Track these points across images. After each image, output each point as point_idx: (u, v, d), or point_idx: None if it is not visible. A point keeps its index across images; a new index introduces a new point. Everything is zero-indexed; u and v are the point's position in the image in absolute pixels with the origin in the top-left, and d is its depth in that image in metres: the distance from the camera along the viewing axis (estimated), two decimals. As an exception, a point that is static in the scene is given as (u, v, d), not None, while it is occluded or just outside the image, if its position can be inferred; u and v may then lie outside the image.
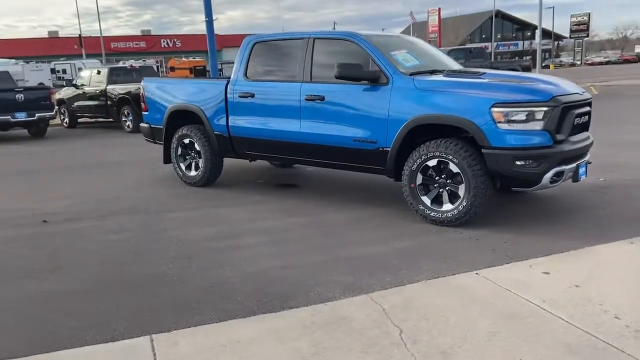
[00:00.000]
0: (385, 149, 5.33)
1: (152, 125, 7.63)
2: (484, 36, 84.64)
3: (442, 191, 5.10)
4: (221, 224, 5.46)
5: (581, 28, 61.97)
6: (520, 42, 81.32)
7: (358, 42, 5.64)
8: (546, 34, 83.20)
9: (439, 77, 5.36)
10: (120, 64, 20.20)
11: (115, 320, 3.36)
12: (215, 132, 6.78)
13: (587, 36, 60.82)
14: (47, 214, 5.95)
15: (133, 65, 17.75)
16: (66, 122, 16.85)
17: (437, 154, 4.98)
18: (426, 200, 5.16)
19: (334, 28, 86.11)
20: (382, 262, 4.20)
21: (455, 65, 6.24)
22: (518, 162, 4.67)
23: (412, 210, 5.27)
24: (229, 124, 6.62)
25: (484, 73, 5.58)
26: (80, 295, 3.78)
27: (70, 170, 9.05)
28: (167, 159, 7.51)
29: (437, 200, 5.14)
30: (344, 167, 5.95)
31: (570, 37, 62.68)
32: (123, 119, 15.04)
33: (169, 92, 7.37)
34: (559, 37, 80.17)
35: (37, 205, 6.43)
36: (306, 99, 5.83)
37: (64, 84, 28.20)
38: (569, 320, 3.11)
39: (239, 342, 3.02)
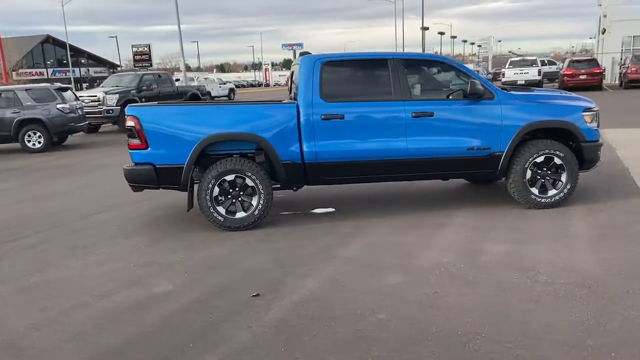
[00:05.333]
0: (498, 153, 6.24)
1: (158, 166, 5.85)
2: (36, 62, 79.33)
3: (544, 181, 6.42)
4: (429, 249, 5.21)
5: (144, 58, 66.07)
6: (76, 69, 79.90)
7: (452, 64, 6.33)
8: (101, 62, 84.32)
9: (532, 92, 6.67)
10: None
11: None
12: (283, 162, 5.97)
13: (151, 65, 65.24)
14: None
15: None
16: None
17: (547, 151, 6.28)
18: (535, 190, 6.38)
19: None
20: (616, 240, 5.21)
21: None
22: (599, 151, 6.51)
23: (522, 201, 6.36)
24: (305, 149, 5.99)
25: (534, 89, 7.14)
26: None
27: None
28: (193, 204, 5.96)
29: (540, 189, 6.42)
30: (450, 176, 6.47)
31: (135, 66, 65.92)
32: None
33: (195, 121, 5.91)
34: (114, 66, 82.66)
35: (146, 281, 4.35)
36: (413, 116, 6.07)
37: None
38: None
39: None
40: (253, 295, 4.16)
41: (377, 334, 3.50)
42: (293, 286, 4.36)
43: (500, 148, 6.21)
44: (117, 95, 18.05)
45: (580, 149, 6.38)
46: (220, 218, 5.94)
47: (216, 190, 5.91)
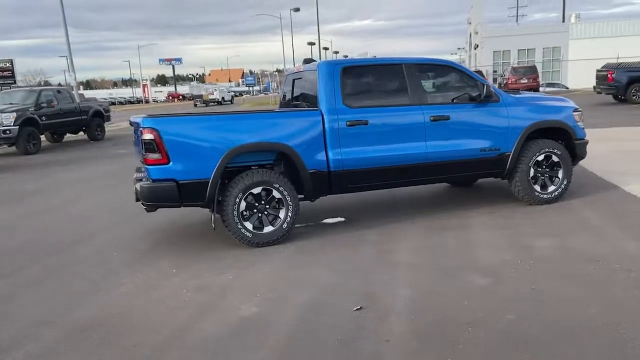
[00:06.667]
0: (507, 153, 6.49)
1: (181, 182, 5.31)
2: None
3: (544, 178, 6.77)
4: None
5: (6, 74, 60.12)
6: None
7: (459, 68, 6.51)
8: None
9: (525, 95, 7.00)
10: None
11: None
12: (310, 171, 5.72)
13: (14, 82, 59.50)
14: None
15: None
16: None
17: (547, 149, 6.65)
18: (537, 187, 6.71)
19: None
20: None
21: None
22: (586, 148, 7.01)
23: (525, 198, 6.66)
24: (331, 157, 5.80)
25: (521, 92, 7.48)
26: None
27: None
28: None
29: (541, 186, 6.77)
30: (463, 177, 6.59)
31: (-2, 83, 59.83)
32: None
33: (220, 131, 5.47)
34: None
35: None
36: (432, 120, 6.13)
37: None
38: None
39: None
40: (356, 309, 3.91)
41: (521, 334, 3.43)
42: (387, 295, 4.15)
43: (508, 148, 6.47)
44: (15, 114, 16.20)
45: (573, 146, 6.83)
46: (248, 234, 5.54)
47: (242, 204, 5.51)
